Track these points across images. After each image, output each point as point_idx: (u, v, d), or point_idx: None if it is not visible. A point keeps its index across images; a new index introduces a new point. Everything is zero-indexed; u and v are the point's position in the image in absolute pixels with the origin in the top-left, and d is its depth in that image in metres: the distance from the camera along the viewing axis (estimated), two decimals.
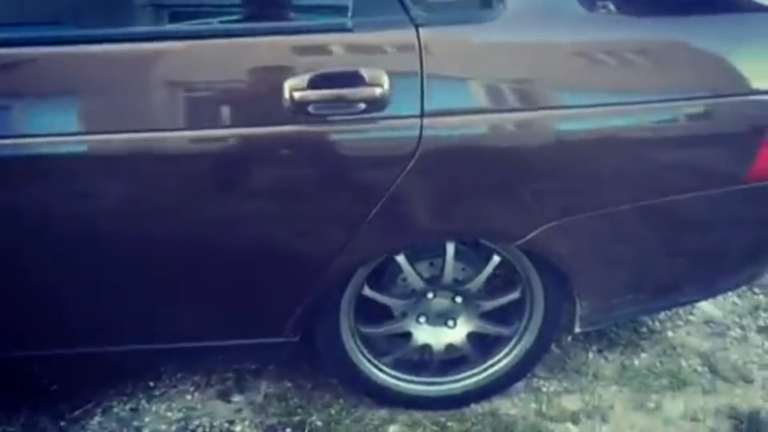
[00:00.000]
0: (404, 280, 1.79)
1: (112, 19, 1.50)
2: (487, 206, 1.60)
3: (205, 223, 1.51)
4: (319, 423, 1.89)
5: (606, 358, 2.19)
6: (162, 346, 1.69)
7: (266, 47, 1.44)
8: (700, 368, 2.17)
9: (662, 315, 2.37)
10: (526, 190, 1.58)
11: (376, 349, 1.87)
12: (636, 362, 2.18)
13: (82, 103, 1.41)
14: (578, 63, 1.55)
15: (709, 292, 2.07)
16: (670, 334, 2.32)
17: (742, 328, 2.38)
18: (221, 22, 1.52)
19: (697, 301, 2.22)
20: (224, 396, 1.97)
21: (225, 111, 1.45)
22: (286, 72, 1.43)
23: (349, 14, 1.45)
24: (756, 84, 1.63)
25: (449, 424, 1.91)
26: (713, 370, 2.16)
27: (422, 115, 1.47)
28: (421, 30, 1.46)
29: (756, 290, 2.54)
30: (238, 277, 1.61)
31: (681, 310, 2.39)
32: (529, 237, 1.62)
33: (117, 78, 1.39)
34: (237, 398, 1.97)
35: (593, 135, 1.56)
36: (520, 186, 1.58)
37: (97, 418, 1.87)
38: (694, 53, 1.60)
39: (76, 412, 1.87)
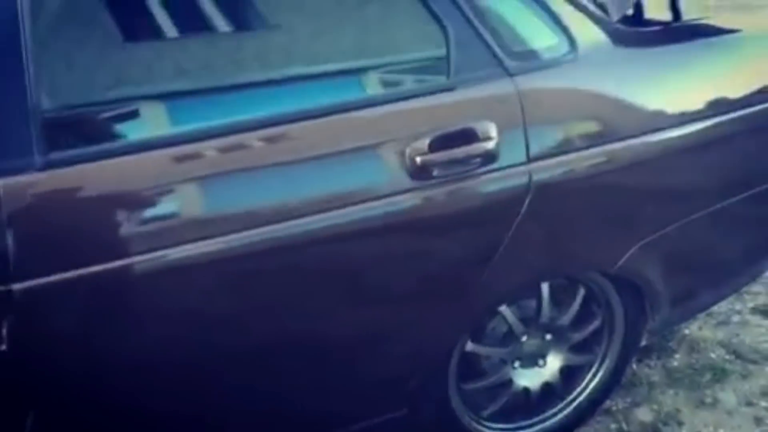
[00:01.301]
0: (493, 328, 1.78)
1: None
2: (588, 239, 1.65)
3: (337, 306, 1.43)
4: None
5: (649, 366, 2.30)
6: None
7: (380, 118, 1.41)
8: (727, 356, 2.34)
9: None
10: (620, 216, 1.66)
11: (475, 404, 1.83)
12: (675, 363, 2.31)
13: None
14: (645, 91, 1.66)
15: (738, 287, 2.25)
16: (686, 331, 2.47)
17: (739, 312, 2.59)
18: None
19: (727, 297, 2.39)
20: None
21: (349, 188, 1.39)
22: (404, 139, 1.40)
23: (450, 73, 1.46)
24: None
25: None
26: (739, 356, 2.34)
27: (528, 161, 1.50)
28: (516, 79, 1.49)
29: None
30: (361, 357, 1.53)
31: None
32: (621, 261, 1.69)
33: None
34: None
35: (669, 152, 1.67)
36: (615, 213, 1.65)
37: None
38: (731, 71, 1.77)
39: None
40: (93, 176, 1.20)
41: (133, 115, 1.30)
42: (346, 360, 1.53)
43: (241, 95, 1.40)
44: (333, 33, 1.45)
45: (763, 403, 2.13)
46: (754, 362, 2.31)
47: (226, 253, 1.29)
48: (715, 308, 2.60)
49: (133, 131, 1.29)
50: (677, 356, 2.35)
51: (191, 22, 1.41)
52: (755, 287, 2.75)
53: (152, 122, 1.35)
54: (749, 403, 2.13)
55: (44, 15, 1.22)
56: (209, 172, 1.29)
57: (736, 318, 2.56)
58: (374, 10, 1.50)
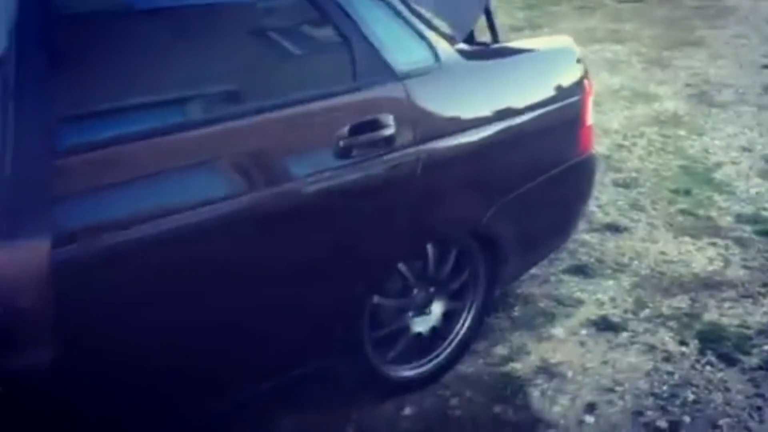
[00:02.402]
0: (392, 283, 2.22)
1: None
2: (461, 204, 2.16)
3: (279, 269, 1.82)
4: None
5: (497, 317, 2.85)
6: None
7: (312, 113, 1.81)
8: (552, 304, 2.97)
9: None
10: (480, 184, 2.19)
11: (380, 350, 2.25)
12: (516, 313, 2.89)
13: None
14: (485, 93, 2.23)
15: (559, 245, 2.91)
16: (519, 290, 3.08)
17: (554, 274, 3.26)
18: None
19: (553, 252, 3.04)
20: None
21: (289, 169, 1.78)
22: (329, 127, 1.82)
23: (357, 78, 1.91)
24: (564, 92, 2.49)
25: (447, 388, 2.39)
26: (561, 303, 2.98)
27: (416, 143, 1.98)
28: (404, 82, 1.97)
29: None
30: (298, 314, 1.92)
31: None
32: (485, 220, 2.22)
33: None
34: None
35: (503, 138, 2.23)
36: (477, 183, 2.18)
37: None
38: (537, 78, 2.40)
39: None
40: None
41: None
42: (286, 317, 1.89)
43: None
44: (287, 53, 1.88)
45: (583, 332, 2.78)
46: (572, 306, 2.97)
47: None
48: (537, 272, 3.26)
49: None
50: (516, 308, 2.94)
51: None
52: (561, 255, 3.47)
53: None
54: (574, 333, 2.77)
55: None
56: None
57: (553, 278, 3.22)
58: (309, 39, 1.99)
